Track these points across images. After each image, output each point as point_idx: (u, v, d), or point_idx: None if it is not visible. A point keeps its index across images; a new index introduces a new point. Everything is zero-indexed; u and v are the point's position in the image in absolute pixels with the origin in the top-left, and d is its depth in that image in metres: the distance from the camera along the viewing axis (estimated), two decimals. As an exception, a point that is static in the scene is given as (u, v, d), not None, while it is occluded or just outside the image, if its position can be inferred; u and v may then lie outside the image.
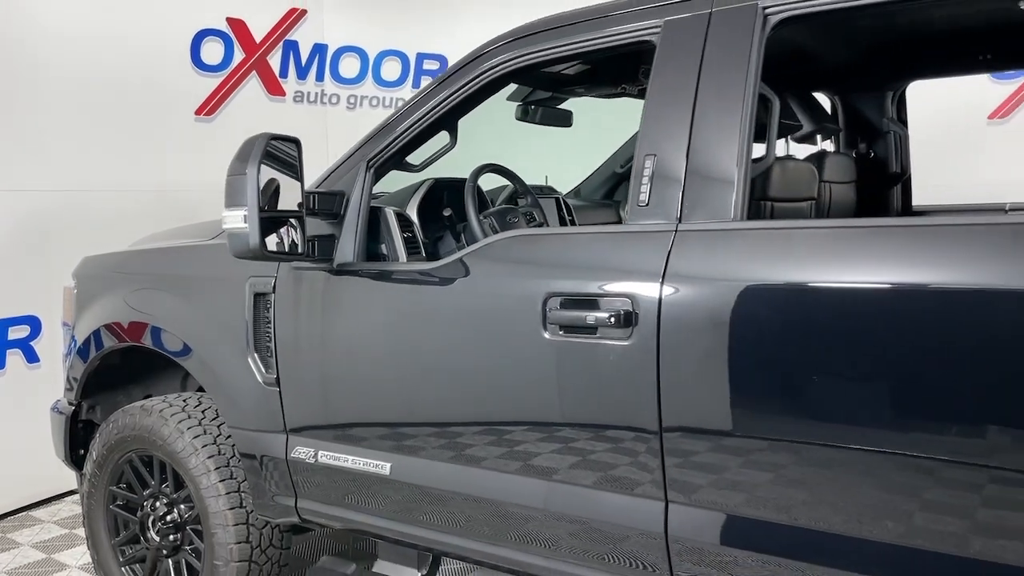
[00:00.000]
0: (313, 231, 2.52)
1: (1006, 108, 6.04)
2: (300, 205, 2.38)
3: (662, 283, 1.98)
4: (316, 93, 5.81)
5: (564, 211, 3.69)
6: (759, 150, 2.31)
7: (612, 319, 2.00)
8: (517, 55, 2.42)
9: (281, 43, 5.63)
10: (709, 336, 1.92)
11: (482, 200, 3.12)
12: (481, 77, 2.46)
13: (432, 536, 2.49)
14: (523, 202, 3.26)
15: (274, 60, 5.60)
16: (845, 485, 1.79)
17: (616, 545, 2.11)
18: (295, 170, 2.38)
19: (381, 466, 2.50)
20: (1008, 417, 1.62)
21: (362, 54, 5.96)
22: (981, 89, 6.04)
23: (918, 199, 3.93)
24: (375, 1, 6.01)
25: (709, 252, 1.97)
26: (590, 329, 2.06)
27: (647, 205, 2.07)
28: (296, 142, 2.38)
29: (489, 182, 3.33)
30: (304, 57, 5.74)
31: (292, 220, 2.37)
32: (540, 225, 3.23)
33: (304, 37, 5.73)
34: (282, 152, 2.36)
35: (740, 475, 1.90)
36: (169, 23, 5.07)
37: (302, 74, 5.74)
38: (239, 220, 2.19)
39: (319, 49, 5.80)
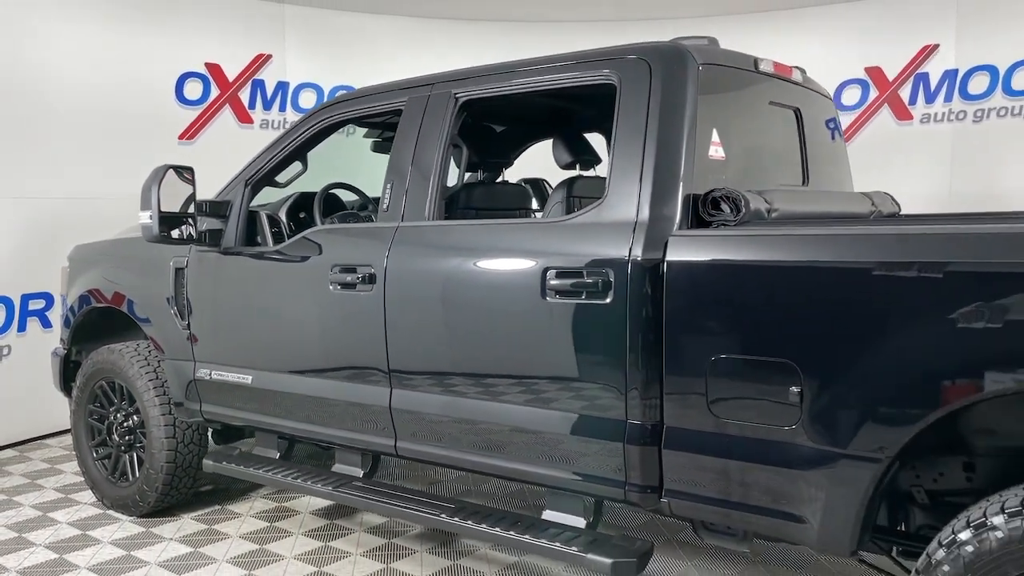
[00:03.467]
0: (208, 226, 3.89)
1: (847, 134, 7.19)
2: (194, 209, 3.75)
3: (388, 255, 3.30)
4: (279, 121, 7.21)
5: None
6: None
7: (364, 279, 3.33)
8: (336, 113, 3.77)
9: (250, 81, 7.05)
10: (410, 287, 3.24)
11: (339, 206, 4.44)
12: (315, 126, 3.81)
13: (280, 423, 3.84)
14: (364, 211, 4.53)
15: (244, 95, 7.03)
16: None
17: (367, 416, 3.44)
18: (192, 186, 3.75)
19: (246, 378, 3.86)
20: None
21: (318, 88, 7.38)
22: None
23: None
24: (328, 47, 7.41)
25: (412, 238, 3.29)
26: (351, 285, 3.38)
27: (387, 210, 3.40)
28: (190, 169, 3.75)
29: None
30: (269, 92, 7.17)
31: (188, 219, 3.75)
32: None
33: (269, 76, 7.16)
34: (183, 175, 3.73)
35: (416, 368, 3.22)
36: (159, 66, 6.52)
37: (267, 106, 7.16)
38: (147, 218, 3.58)
39: (282, 86, 7.22)
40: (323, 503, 4.64)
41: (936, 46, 6.75)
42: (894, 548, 2.66)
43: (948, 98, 6.73)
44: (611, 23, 7.47)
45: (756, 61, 3.18)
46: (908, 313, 2.23)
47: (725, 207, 2.71)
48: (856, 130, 7.15)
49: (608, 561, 2.80)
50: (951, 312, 2.15)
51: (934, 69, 6.79)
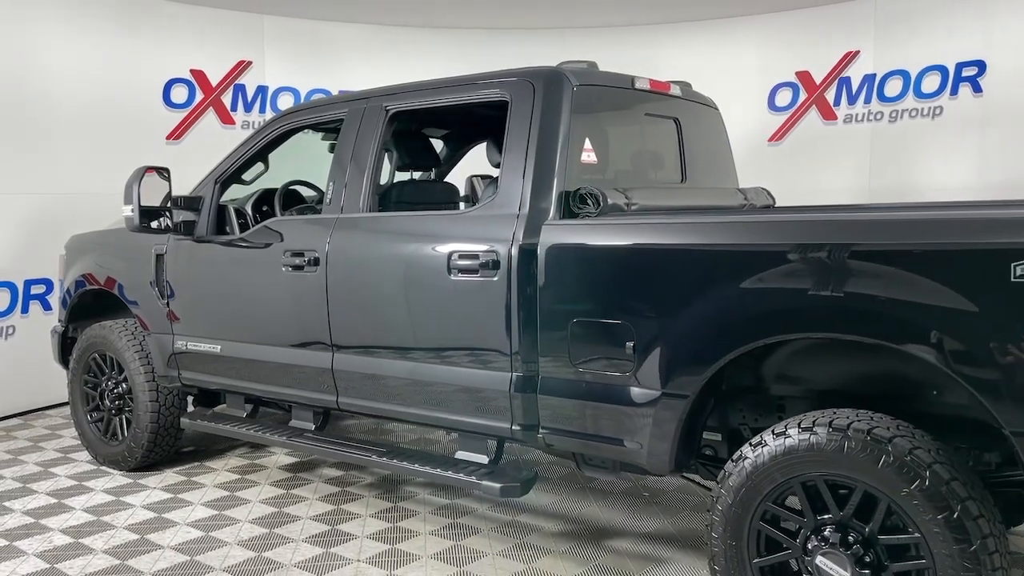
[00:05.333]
0: (184, 218, 4.55)
1: (781, 133, 7.86)
2: (170, 203, 4.42)
3: (329, 242, 3.97)
4: (259, 122, 7.85)
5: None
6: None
7: (310, 262, 3.99)
8: (290, 121, 4.43)
9: (232, 86, 7.71)
10: (346, 268, 3.91)
11: (300, 200, 5.09)
12: (272, 132, 4.48)
13: (246, 385, 4.51)
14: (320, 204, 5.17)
15: (226, 98, 7.68)
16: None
17: (315, 376, 4.11)
18: (168, 184, 4.41)
19: (216, 348, 4.53)
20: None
21: (295, 92, 8.03)
22: (760, 118, 7.89)
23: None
24: (304, 54, 8.06)
25: (348, 227, 3.95)
26: (299, 267, 4.04)
27: (329, 204, 4.06)
28: (167, 170, 4.41)
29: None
30: (250, 95, 7.82)
31: (166, 212, 4.41)
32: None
33: (250, 81, 7.81)
34: (161, 174, 4.40)
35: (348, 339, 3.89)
36: (148, 73, 7.17)
37: (248, 108, 7.81)
38: (129, 211, 4.24)
39: (261, 89, 7.87)
40: (289, 460, 5.31)
41: (857, 52, 7.40)
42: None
43: (868, 100, 7.38)
44: (564, 30, 8.12)
45: (633, 80, 3.83)
46: (701, 284, 2.90)
47: (589, 202, 3.36)
48: (788, 129, 7.81)
49: (497, 486, 3.48)
50: (727, 284, 2.82)
51: (855, 73, 7.44)
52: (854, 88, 7.45)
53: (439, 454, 4.08)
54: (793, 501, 2.78)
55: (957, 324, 2.44)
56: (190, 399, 5.15)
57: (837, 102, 7.54)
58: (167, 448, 5.12)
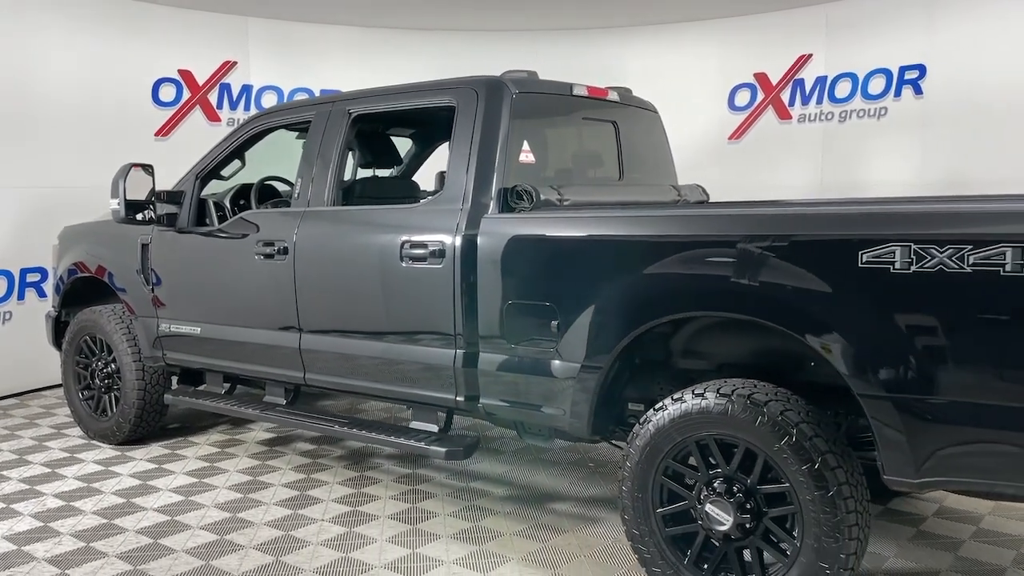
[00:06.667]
0: (167, 211, 4.96)
1: (740, 131, 8.28)
2: (154, 197, 4.83)
3: (296, 232, 4.37)
4: (243, 119, 8.24)
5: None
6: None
7: (279, 251, 4.40)
8: (264, 123, 4.84)
9: (218, 85, 8.10)
10: (312, 256, 4.32)
11: (276, 195, 5.49)
12: (246, 132, 4.89)
13: (223, 363, 4.93)
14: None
15: (213, 97, 8.08)
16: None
17: (284, 355, 4.52)
18: (152, 179, 4.82)
19: (196, 330, 4.94)
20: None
21: (279, 91, 8.43)
22: (721, 117, 8.30)
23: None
24: (287, 54, 8.45)
25: (314, 219, 4.36)
26: (270, 256, 4.45)
27: (298, 198, 4.47)
28: (150, 166, 4.82)
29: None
30: (235, 94, 8.21)
31: (150, 205, 4.82)
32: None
33: (235, 80, 8.20)
34: (145, 171, 4.80)
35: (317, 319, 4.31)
36: (137, 72, 7.57)
37: (233, 106, 8.21)
38: (115, 204, 4.65)
39: (246, 88, 8.27)
40: (266, 436, 5.73)
41: (810, 55, 7.81)
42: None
43: (820, 101, 7.81)
44: (537, 32, 8.52)
45: (571, 87, 4.24)
46: (610, 270, 3.33)
47: (524, 197, 3.78)
48: (747, 128, 8.23)
49: (443, 450, 3.91)
50: (631, 271, 3.24)
51: (808, 75, 7.86)
52: (807, 89, 7.87)
53: (395, 424, 4.50)
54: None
55: (816, 304, 2.85)
56: (174, 379, 5.56)
57: (792, 102, 7.96)
58: (152, 423, 5.53)
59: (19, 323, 6.89)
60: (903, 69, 7.21)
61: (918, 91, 7.13)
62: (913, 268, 2.64)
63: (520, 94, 3.95)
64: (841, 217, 2.91)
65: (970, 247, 2.54)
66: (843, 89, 7.64)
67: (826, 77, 7.74)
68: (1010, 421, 2.54)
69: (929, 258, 2.61)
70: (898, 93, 7.25)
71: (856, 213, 2.90)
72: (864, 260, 2.73)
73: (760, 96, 8.11)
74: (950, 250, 2.58)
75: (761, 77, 8.09)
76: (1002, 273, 2.50)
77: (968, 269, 2.55)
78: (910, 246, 2.64)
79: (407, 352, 4.02)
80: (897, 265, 2.67)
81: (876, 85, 7.41)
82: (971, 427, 2.62)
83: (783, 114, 8.00)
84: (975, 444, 2.62)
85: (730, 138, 8.26)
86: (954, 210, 2.79)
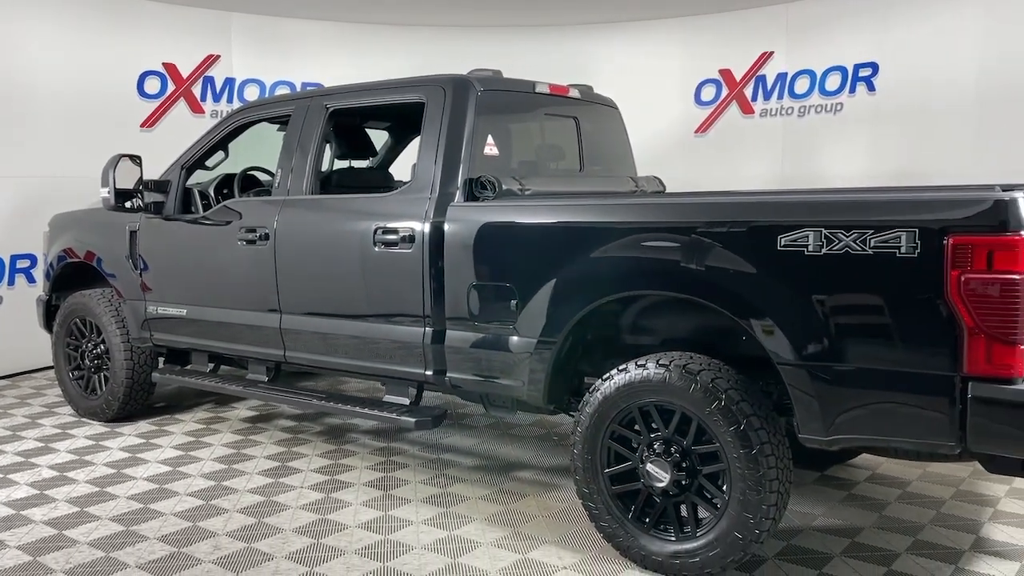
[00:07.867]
0: (154, 199, 5.24)
1: (705, 125, 8.62)
2: (141, 186, 5.11)
3: (277, 219, 4.68)
4: (226, 111, 8.50)
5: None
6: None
7: (261, 237, 4.70)
8: (246, 116, 5.13)
9: (202, 78, 8.35)
10: (291, 241, 4.62)
11: (259, 184, 5.78)
12: (230, 125, 5.18)
13: (208, 343, 5.23)
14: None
15: (196, 89, 8.33)
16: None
17: (266, 335, 4.83)
18: (140, 169, 5.10)
19: (182, 312, 5.24)
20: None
21: (261, 84, 8.69)
22: (688, 111, 8.64)
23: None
24: (269, 48, 8.72)
25: (293, 207, 4.67)
26: (252, 241, 4.75)
27: (278, 187, 4.78)
28: (139, 157, 5.10)
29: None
30: (218, 87, 8.47)
31: (138, 193, 5.11)
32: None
33: (218, 73, 8.46)
34: (133, 161, 5.08)
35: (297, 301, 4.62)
36: (124, 65, 7.81)
37: (217, 99, 8.47)
38: (105, 192, 4.94)
39: (229, 81, 8.52)
40: (249, 413, 6.04)
41: (772, 53, 8.17)
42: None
43: (780, 96, 8.17)
44: (511, 28, 8.82)
45: (534, 84, 4.56)
46: (562, 254, 3.65)
47: (488, 187, 4.10)
48: (712, 122, 8.58)
49: (412, 420, 4.23)
50: (580, 254, 3.58)
51: (770, 72, 8.22)
52: (769, 85, 8.23)
53: (369, 398, 4.82)
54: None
55: (741, 283, 3.20)
56: (161, 359, 5.85)
57: (755, 98, 8.32)
58: (141, 401, 5.82)
59: (9, 308, 7.15)
60: (857, 67, 7.57)
61: (871, 88, 7.50)
62: (824, 250, 2.99)
63: (485, 91, 4.26)
64: (764, 205, 3.26)
65: (871, 231, 2.90)
66: (802, 85, 8.00)
67: (786, 74, 8.10)
68: (902, 384, 2.90)
69: (837, 242, 2.96)
70: (852, 89, 7.63)
71: (777, 202, 3.24)
72: (782, 244, 3.07)
73: (725, 91, 8.46)
74: (855, 235, 2.93)
75: (726, 73, 8.44)
76: (897, 255, 2.85)
77: (870, 251, 2.90)
78: (821, 231, 2.99)
79: (380, 331, 4.33)
80: (810, 248, 3.02)
81: (832, 82, 7.78)
82: (871, 390, 2.97)
83: (746, 109, 8.36)
84: (874, 405, 2.98)
85: (696, 132, 8.61)
86: (857, 199, 3.14)
